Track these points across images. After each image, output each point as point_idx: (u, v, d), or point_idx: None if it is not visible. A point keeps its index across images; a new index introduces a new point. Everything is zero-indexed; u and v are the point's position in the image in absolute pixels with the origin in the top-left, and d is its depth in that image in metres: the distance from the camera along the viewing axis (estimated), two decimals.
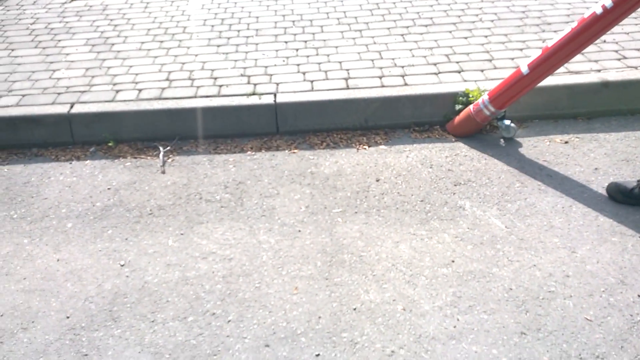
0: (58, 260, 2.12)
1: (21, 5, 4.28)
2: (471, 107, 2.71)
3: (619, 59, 3.09)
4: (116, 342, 1.79)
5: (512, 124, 2.72)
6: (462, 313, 1.85)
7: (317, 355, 1.72)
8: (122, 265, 2.08)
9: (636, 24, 3.52)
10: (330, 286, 1.97)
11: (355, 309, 1.87)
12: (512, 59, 3.16)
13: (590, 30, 2.32)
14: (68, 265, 2.10)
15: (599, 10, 2.27)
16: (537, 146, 2.70)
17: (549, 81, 2.90)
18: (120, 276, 2.04)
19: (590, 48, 3.22)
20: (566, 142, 2.71)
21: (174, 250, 2.15)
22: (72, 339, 1.80)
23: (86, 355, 1.75)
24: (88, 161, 2.72)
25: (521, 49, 3.26)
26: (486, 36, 3.46)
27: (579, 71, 2.98)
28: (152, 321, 1.85)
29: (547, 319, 1.81)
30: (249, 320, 1.84)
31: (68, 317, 1.88)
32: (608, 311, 1.83)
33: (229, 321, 1.84)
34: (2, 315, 1.90)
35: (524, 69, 2.47)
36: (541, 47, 3.27)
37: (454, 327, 1.80)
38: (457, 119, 2.80)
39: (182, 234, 2.23)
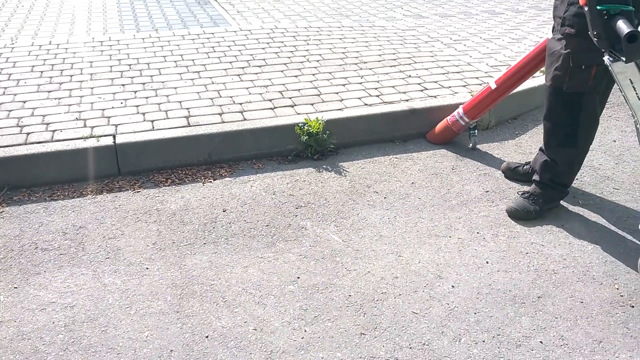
0: None
1: None
2: (448, 119, 3.17)
3: (421, 90, 3.60)
4: None
5: (476, 134, 3.20)
6: (309, 324, 2.00)
7: None
8: None
9: (433, 61, 4.14)
10: (181, 318, 1.99)
11: (207, 337, 1.92)
12: (337, 93, 3.51)
13: (543, 54, 2.63)
14: None
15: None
16: (364, 167, 3.02)
17: (368, 110, 3.29)
18: None
19: (399, 82, 3.72)
20: (387, 162, 3.08)
21: (7, 306, 2.00)
22: None
23: None
24: None
25: (344, 85, 3.64)
26: (314, 74, 3.80)
27: (392, 101, 3.42)
28: None
29: (381, 317, 2.04)
30: None
31: None
32: (430, 303, 2.12)
33: None
34: None
35: (493, 85, 2.92)
36: (360, 83, 3.70)
37: (302, 338, 1.94)
38: (437, 129, 3.26)
39: (15, 288, 2.09)
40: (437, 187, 2.87)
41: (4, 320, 1.94)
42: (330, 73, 3.84)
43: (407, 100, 3.45)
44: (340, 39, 4.60)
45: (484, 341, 1.95)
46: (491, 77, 3.82)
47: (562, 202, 2.72)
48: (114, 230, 2.43)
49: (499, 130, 3.53)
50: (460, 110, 3.11)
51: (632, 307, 2.11)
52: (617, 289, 2.20)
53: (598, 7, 1.95)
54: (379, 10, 6.00)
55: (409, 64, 4.07)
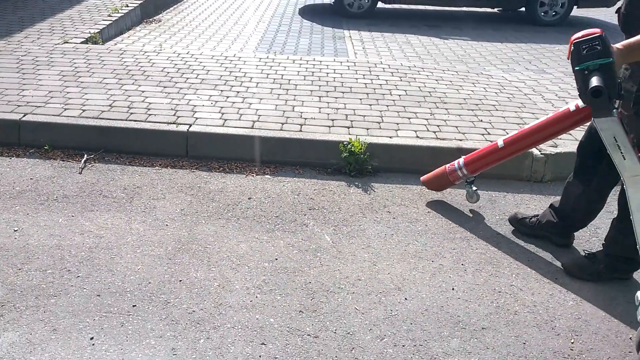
0: None
1: (20, 42, 5.08)
2: (446, 166, 3.03)
3: (483, 134, 3.68)
4: None
5: (477, 191, 3.06)
6: (262, 293, 2.32)
7: (134, 306, 2.20)
8: (15, 230, 2.61)
9: (516, 112, 4.14)
10: (169, 264, 2.46)
11: (180, 281, 2.36)
12: (398, 124, 3.77)
13: (561, 124, 2.59)
14: None
15: (572, 108, 2.51)
16: (392, 191, 3.23)
17: (415, 142, 3.50)
18: (10, 237, 2.56)
19: (466, 124, 3.83)
20: (417, 191, 3.24)
21: (60, 226, 2.68)
22: None
23: None
24: (24, 159, 3.31)
25: (409, 118, 3.88)
26: (388, 106, 4.10)
27: (445, 138, 3.57)
28: (19, 269, 2.36)
29: (325, 305, 2.28)
30: (94, 278, 2.33)
31: None
32: (375, 305, 2.29)
33: (78, 277, 2.34)
34: None
35: (500, 143, 2.80)
36: (427, 119, 3.88)
37: (250, 301, 2.27)
38: (432, 174, 3.14)
39: (72, 216, 2.76)
40: (451, 220, 2.97)
41: (54, 234, 2.61)
42: (403, 107, 4.10)
43: (460, 140, 3.57)
44: (436, 80, 4.82)
45: (403, 345, 2.08)
46: (570, 134, 3.72)
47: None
48: (159, 194, 3.02)
49: (552, 185, 3.43)
50: (461, 160, 2.98)
51: None
52: (572, 342, 2.14)
53: (576, 68, 2.01)
54: (503, 62, 6.06)
55: (489, 111, 4.15)
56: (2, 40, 5.03)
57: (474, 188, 3.07)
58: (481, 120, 3.93)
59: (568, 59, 2.04)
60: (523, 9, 8.23)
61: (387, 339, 2.11)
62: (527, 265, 2.61)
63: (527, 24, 8.10)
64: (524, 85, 4.92)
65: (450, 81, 4.82)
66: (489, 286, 2.45)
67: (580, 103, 2.51)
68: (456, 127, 3.78)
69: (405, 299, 2.34)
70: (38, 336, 2.03)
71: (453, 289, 2.42)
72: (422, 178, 3.24)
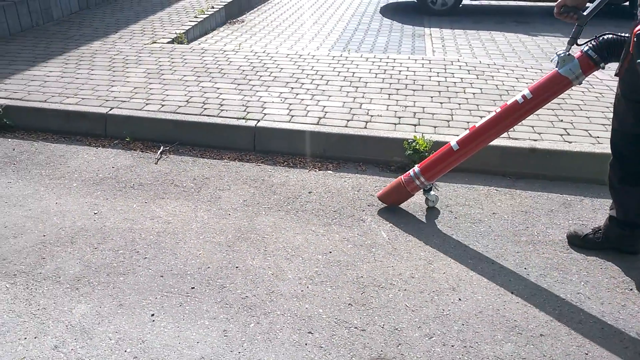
0: (56, 203, 2.93)
1: (114, 42, 5.49)
2: (402, 177, 2.88)
3: (562, 135, 3.47)
4: (66, 255, 2.51)
5: (436, 195, 2.96)
6: (314, 284, 2.35)
7: (193, 288, 2.31)
8: (95, 213, 2.84)
9: (602, 112, 3.86)
10: (228, 252, 2.56)
11: (237, 267, 2.45)
12: (468, 122, 3.65)
13: (512, 116, 2.59)
14: (60, 207, 2.89)
15: (520, 99, 2.54)
16: (456, 191, 3.14)
17: None
18: (90, 219, 2.78)
19: (544, 124, 3.63)
20: (484, 192, 3.12)
21: (134, 211, 2.87)
22: (40, 248, 2.55)
23: (44, 258, 2.48)
24: (109, 149, 3.59)
25: (481, 117, 3.73)
26: (460, 104, 3.98)
27: (518, 138, 3.40)
28: (95, 248, 2.56)
29: (375, 299, 2.26)
30: (159, 260, 2.48)
31: (44, 236, 2.64)
32: (427, 304, 2.24)
33: (145, 258, 2.50)
34: (22, 232, 2.70)
35: (454, 145, 2.71)
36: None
37: (301, 291, 2.31)
38: (388, 187, 2.96)
39: (145, 202, 2.95)
40: (518, 222, 2.83)
41: (128, 218, 2.81)
42: (476, 105, 3.97)
43: (535, 140, 3.39)
44: (517, 78, 4.61)
45: (452, 346, 2.02)
46: None
47: None
48: (225, 185, 3.14)
49: None
50: (416, 168, 2.82)
51: None
52: None
53: (639, 61, 1.87)
54: None
55: (572, 110, 3.90)
56: (99, 41, 5.47)
57: (432, 193, 2.92)
58: (561, 120, 3.70)
59: (631, 52, 1.90)
60: (627, 3, 7.63)
61: (435, 338, 2.07)
62: (599, 273, 2.44)
63: (630, 20, 7.49)
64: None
65: (532, 79, 4.58)
66: (553, 292, 2.31)
67: (526, 93, 2.50)
68: (532, 126, 3.60)
69: (459, 299, 2.27)
70: (106, 309, 2.20)
71: (512, 292, 2.31)
72: (377, 194, 3.00)
